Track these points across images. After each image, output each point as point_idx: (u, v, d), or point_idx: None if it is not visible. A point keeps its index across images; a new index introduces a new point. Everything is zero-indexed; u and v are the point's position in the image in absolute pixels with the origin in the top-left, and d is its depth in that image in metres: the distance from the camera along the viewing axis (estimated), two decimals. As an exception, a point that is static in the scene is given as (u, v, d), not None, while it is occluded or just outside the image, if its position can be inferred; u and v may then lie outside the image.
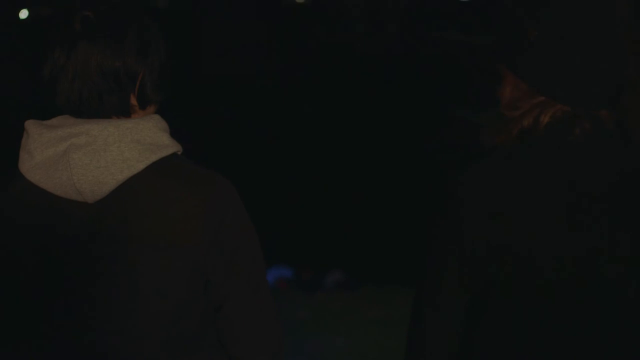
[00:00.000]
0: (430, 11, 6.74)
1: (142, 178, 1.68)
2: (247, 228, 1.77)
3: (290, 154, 7.00)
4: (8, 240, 1.71)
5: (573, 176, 1.66)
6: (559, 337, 1.67)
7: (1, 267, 1.72)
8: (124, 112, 1.73)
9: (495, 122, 1.74)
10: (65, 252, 1.69)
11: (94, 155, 1.65)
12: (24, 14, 5.93)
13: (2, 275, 1.72)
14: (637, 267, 1.66)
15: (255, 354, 1.79)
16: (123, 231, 1.68)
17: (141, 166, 1.67)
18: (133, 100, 1.74)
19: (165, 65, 1.77)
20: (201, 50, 6.96)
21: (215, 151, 5.56)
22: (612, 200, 1.66)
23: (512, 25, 1.73)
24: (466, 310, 1.71)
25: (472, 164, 1.71)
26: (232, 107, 7.03)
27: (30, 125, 1.71)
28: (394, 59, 6.84)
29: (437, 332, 1.73)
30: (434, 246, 1.73)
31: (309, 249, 6.71)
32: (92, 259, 1.69)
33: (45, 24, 1.75)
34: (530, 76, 1.70)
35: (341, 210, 6.85)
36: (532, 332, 1.67)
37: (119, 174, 1.66)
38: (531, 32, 1.69)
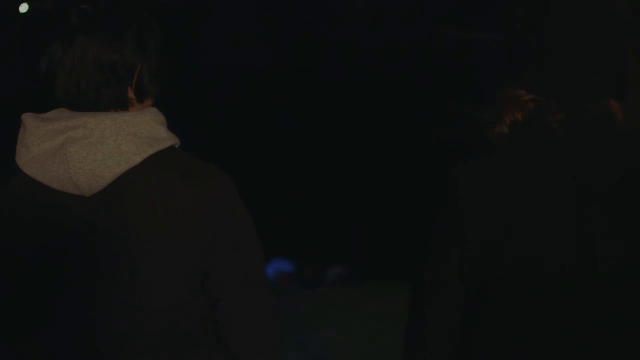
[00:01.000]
0: (433, 8, 6.74)
1: (139, 171, 1.67)
2: (246, 223, 1.76)
3: (292, 149, 7.00)
4: (6, 234, 1.71)
5: (571, 171, 1.66)
6: (558, 336, 1.67)
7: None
8: (122, 105, 1.72)
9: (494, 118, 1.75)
10: (63, 245, 1.69)
11: (91, 148, 1.65)
12: (24, 7, 5.93)
13: (0, 269, 1.72)
14: (636, 266, 1.65)
15: (254, 351, 1.78)
16: (120, 224, 1.67)
17: (138, 159, 1.67)
18: (130, 94, 1.74)
19: (163, 58, 1.77)
20: (201, 44, 6.96)
21: (215, 145, 5.56)
22: (610, 195, 1.66)
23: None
24: (465, 307, 1.71)
25: (471, 161, 1.71)
26: (232, 101, 7.03)
27: (27, 118, 1.71)
28: (396, 54, 6.83)
29: (437, 330, 1.73)
30: (433, 243, 1.73)
31: (311, 244, 6.72)
32: (89, 252, 1.68)
33: (45, 17, 1.75)
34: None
35: (343, 205, 6.86)
36: (531, 331, 1.67)
37: (116, 167, 1.65)
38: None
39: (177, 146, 1.75)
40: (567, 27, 1.68)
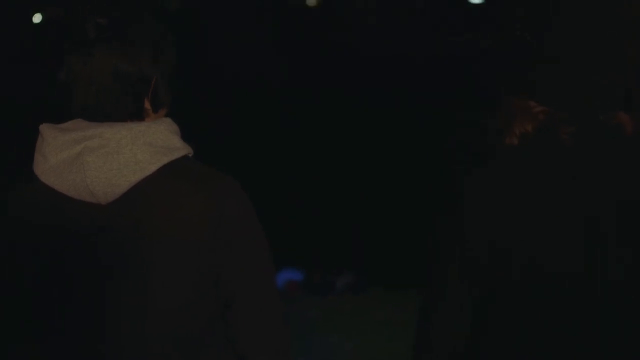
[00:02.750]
0: (440, 13, 6.73)
1: (154, 180, 1.70)
2: (250, 225, 1.77)
3: (300, 157, 7.00)
4: (22, 241, 1.73)
5: (575, 179, 1.66)
6: (561, 338, 1.67)
7: (15, 267, 1.74)
8: (138, 115, 1.76)
9: (500, 124, 1.74)
10: (78, 252, 1.71)
11: (107, 157, 1.68)
12: (37, 17, 5.95)
13: (15, 275, 1.74)
14: (639, 271, 1.66)
15: (261, 352, 1.79)
16: (134, 232, 1.70)
17: (153, 168, 1.69)
18: (147, 104, 1.77)
19: (176, 68, 1.80)
20: (207, 53, 6.96)
21: (224, 154, 5.57)
22: (619, 201, 1.66)
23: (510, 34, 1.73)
24: (471, 311, 1.72)
25: (476, 168, 1.72)
26: (242, 110, 7.03)
27: (45, 128, 1.74)
28: (396, 56, 6.82)
29: (442, 332, 1.74)
30: (438, 248, 1.74)
31: (319, 251, 6.71)
32: (103, 260, 1.71)
33: (59, 26, 1.77)
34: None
35: (351, 212, 6.84)
36: (534, 333, 1.68)
37: (132, 175, 1.68)
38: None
39: (190, 155, 1.78)
40: (570, 34, 1.68)
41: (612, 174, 1.67)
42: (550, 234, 1.65)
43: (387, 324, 5.63)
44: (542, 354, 1.68)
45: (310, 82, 7.03)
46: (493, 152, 1.72)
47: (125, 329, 1.71)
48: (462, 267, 1.70)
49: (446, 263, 1.72)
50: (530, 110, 1.69)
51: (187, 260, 1.71)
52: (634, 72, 1.68)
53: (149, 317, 1.70)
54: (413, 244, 5.32)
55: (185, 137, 1.80)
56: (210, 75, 6.96)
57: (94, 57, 1.71)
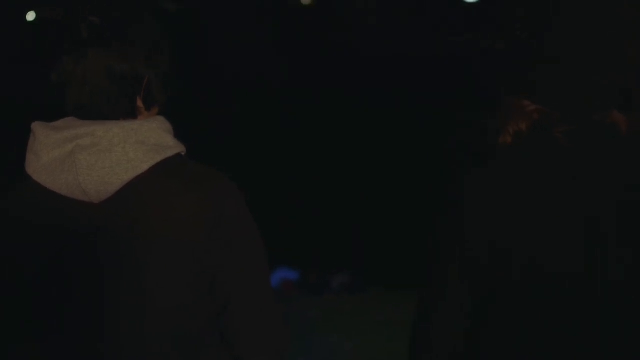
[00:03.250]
0: (440, 13, 6.73)
1: (147, 178, 1.70)
2: (247, 226, 1.78)
3: (299, 157, 7.00)
4: (15, 241, 1.73)
5: (575, 179, 1.66)
6: (561, 338, 1.67)
7: (9, 267, 1.74)
8: (131, 114, 1.76)
9: (500, 124, 1.74)
10: (72, 251, 1.71)
11: (99, 156, 1.68)
12: (31, 16, 5.95)
13: (10, 275, 1.74)
14: (639, 271, 1.66)
15: (262, 352, 1.79)
16: (128, 231, 1.70)
17: (145, 167, 1.69)
18: (140, 103, 1.77)
19: (171, 67, 1.79)
20: (207, 53, 6.96)
21: (224, 154, 5.57)
22: (615, 202, 1.66)
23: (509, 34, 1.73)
24: (471, 311, 1.72)
25: (476, 168, 1.72)
26: (242, 110, 7.03)
27: (37, 127, 1.74)
28: (396, 56, 6.83)
29: (442, 332, 1.73)
30: (438, 248, 1.74)
31: (319, 251, 6.72)
32: (97, 259, 1.71)
33: (59, 26, 1.77)
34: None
35: (351, 212, 6.85)
36: (534, 333, 1.68)
37: (124, 174, 1.68)
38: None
39: (183, 154, 1.78)
40: (570, 34, 1.68)
41: (611, 173, 1.66)
42: (551, 234, 1.65)
43: (388, 324, 5.63)
44: (542, 354, 1.68)
45: (310, 82, 7.03)
46: (493, 152, 1.72)
47: (124, 328, 1.70)
48: (462, 267, 1.70)
49: (446, 263, 1.72)
50: (524, 109, 1.69)
51: (182, 260, 1.71)
52: (634, 72, 1.68)
53: (147, 316, 1.70)
54: (413, 244, 5.32)
55: (186, 136, 1.80)
56: (210, 75, 6.96)
57: (86, 58, 1.72)
